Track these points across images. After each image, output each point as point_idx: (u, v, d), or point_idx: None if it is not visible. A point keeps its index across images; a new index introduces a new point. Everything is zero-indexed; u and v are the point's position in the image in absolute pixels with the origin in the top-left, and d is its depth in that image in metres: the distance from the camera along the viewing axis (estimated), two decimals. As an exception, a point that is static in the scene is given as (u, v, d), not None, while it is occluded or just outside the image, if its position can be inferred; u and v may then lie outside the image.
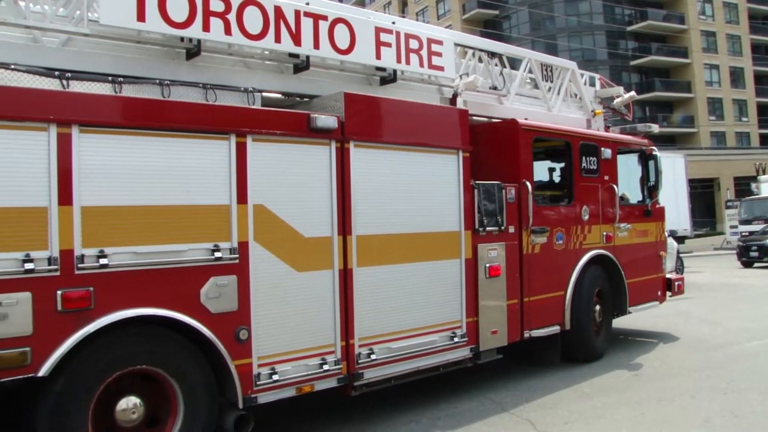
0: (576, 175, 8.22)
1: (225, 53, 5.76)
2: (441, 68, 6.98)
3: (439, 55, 6.91)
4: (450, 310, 6.48)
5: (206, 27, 5.25)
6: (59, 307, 4.14)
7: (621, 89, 10.35)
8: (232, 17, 5.37)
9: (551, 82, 8.99)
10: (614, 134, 9.50)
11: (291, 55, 6.02)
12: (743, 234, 26.11)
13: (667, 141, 48.73)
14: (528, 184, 7.39)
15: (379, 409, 6.41)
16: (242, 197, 5.00)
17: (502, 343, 7.05)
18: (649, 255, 9.52)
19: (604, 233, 8.58)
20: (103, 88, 4.77)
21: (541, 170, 8.53)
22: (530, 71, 8.63)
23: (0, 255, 3.96)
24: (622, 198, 8.96)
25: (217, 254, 4.84)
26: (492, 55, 8.08)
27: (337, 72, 6.55)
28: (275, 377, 5.10)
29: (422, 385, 6.58)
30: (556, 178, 8.79)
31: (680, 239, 19.14)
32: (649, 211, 9.51)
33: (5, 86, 4.27)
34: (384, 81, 6.83)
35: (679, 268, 16.63)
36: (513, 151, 7.51)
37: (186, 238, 4.71)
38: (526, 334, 7.39)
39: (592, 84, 10.22)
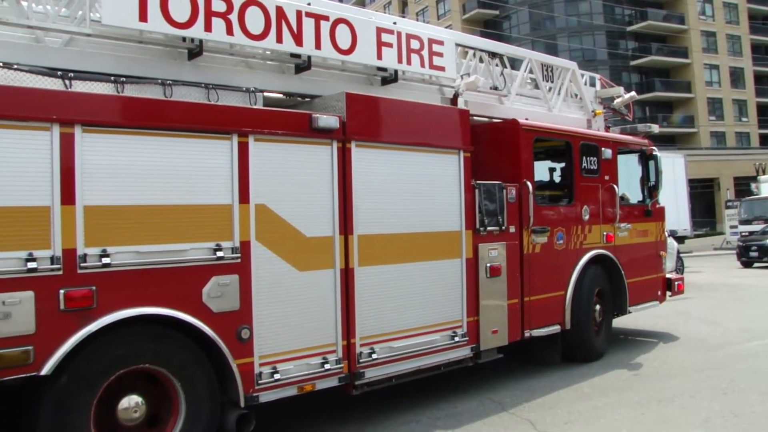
0: (576, 175, 8.23)
1: (227, 53, 5.77)
2: (442, 68, 7.00)
3: (440, 55, 6.93)
4: (451, 309, 6.49)
5: (208, 27, 5.27)
6: (62, 307, 4.15)
7: (621, 89, 10.36)
8: (233, 17, 5.39)
9: (552, 82, 9.01)
10: (614, 134, 9.51)
11: (293, 55, 6.04)
12: (743, 234, 26.13)
13: (667, 141, 48.74)
14: (529, 184, 7.41)
15: (379, 409, 6.42)
16: (244, 197, 5.02)
17: (503, 343, 7.07)
18: (649, 255, 9.54)
19: (605, 233, 8.60)
20: (105, 88, 4.79)
21: (541, 170, 8.54)
22: (531, 71, 8.65)
23: (3, 254, 3.98)
24: (622, 198, 8.98)
25: (219, 254, 4.86)
26: (493, 55, 8.09)
27: (339, 72, 6.57)
28: (277, 376, 5.12)
29: (422, 384, 6.59)
30: (557, 178, 8.80)
31: (680, 239, 19.16)
32: (649, 211, 9.53)
33: (8, 86, 4.28)
34: (385, 81, 6.84)
35: (680, 268, 16.64)
36: (514, 151, 7.53)
37: (188, 238, 4.73)
38: (527, 334, 7.40)
39: (593, 84, 10.23)
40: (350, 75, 6.66)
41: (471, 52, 7.84)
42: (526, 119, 7.84)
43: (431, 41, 6.86)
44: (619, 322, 9.61)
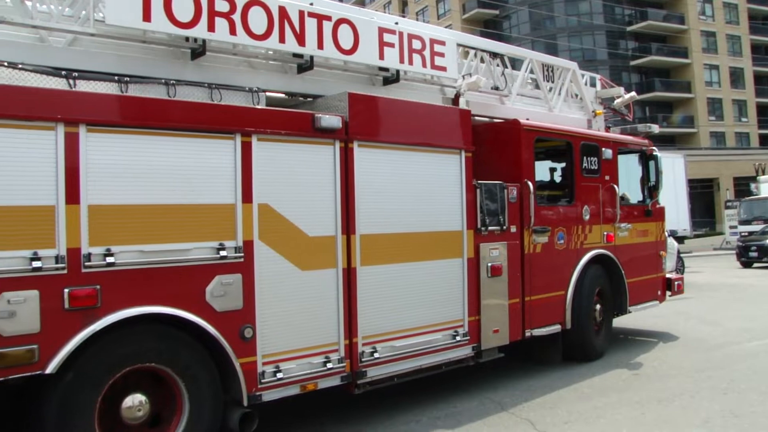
0: (577, 175, 8.26)
1: (230, 53, 5.79)
2: (443, 68, 7.02)
3: (442, 55, 6.95)
4: (452, 309, 6.52)
5: (211, 27, 5.29)
6: (66, 305, 4.17)
7: (621, 90, 10.38)
8: (236, 17, 5.41)
9: (552, 82, 9.03)
10: (615, 134, 9.53)
11: (295, 55, 6.06)
12: (743, 234, 26.16)
13: (667, 141, 48.77)
14: (530, 183, 7.43)
15: (379, 408, 6.44)
16: (247, 196, 5.04)
17: (504, 342, 7.09)
18: (649, 255, 9.56)
19: (605, 233, 8.62)
20: (109, 88, 4.80)
21: (542, 170, 8.55)
22: (532, 71, 8.67)
23: (8, 253, 4.00)
24: (622, 198, 9.00)
25: (223, 253, 4.88)
26: (494, 55, 8.11)
27: (341, 72, 6.59)
28: (279, 375, 5.14)
29: (422, 384, 6.61)
30: (558, 178, 8.82)
31: (680, 239, 19.18)
32: (649, 211, 9.55)
33: (13, 86, 4.30)
34: (387, 81, 6.86)
35: (680, 268, 16.66)
36: (515, 151, 7.55)
37: (191, 237, 4.75)
38: (528, 333, 7.43)
39: (593, 84, 10.25)
40: (352, 75, 6.68)
41: (472, 52, 7.86)
42: (527, 119, 7.87)
43: (433, 41, 6.88)
44: (619, 322, 9.63)
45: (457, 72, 7.31)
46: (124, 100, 4.69)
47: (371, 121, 6.00)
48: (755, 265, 22.59)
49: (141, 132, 4.58)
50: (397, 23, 6.73)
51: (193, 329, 4.74)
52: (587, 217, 8.30)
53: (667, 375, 7.60)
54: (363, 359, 5.71)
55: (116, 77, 4.90)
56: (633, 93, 10.50)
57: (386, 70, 6.76)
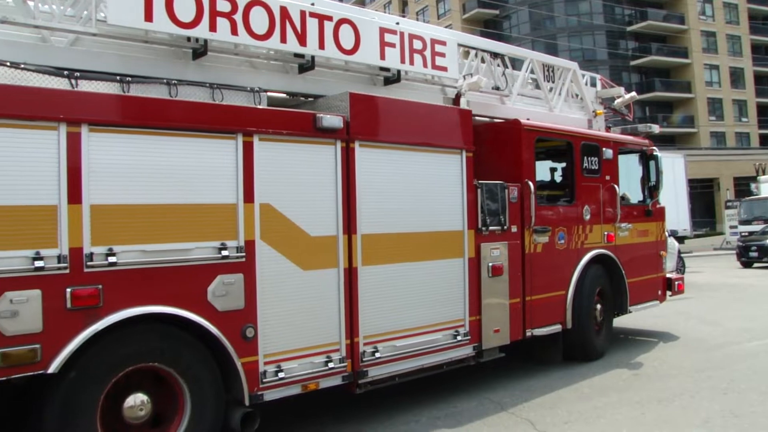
0: (578, 175, 8.27)
1: (231, 53, 5.80)
2: (444, 69, 7.02)
3: (443, 55, 6.95)
4: (453, 308, 6.53)
5: (213, 27, 5.29)
6: (68, 305, 4.18)
7: (622, 90, 10.39)
8: (238, 17, 5.41)
9: (553, 82, 9.03)
10: (615, 134, 9.54)
11: (296, 55, 6.06)
12: (743, 234, 26.17)
13: (667, 141, 48.76)
14: (530, 183, 7.45)
15: (380, 408, 6.44)
16: (249, 196, 5.04)
17: (505, 342, 7.10)
18: (650, 255, 9.57)
19: (605, 233, 8.63)
20: (111, 88, 4.80)
21: (543, 170, 8.57)
22: (532, 72, 8.68)
23: (11, 253, 4.01)
24: (623, 198, 9.01)
25: (224, 253, 4.89)
26: (495, 55, 8.12)
27: (342, 72, 6.59)
28: (281, 375, 5.15)
29: (422, 384, 6.61)
30: (558, 178, 8.83)
31: (680, 239, 19.17)
32: (649, 211, 9.56)
33: (16, 85, 4.30)
34: (388, 81, 6.87)
35: (681, 268, 16.67)
36: (515, 151, 7.56)
37: (193, 237, 4.76)
38: (528, 333, 7.44)
39: (593, 84, 10.25)
40: (353, 75, 6.69)
41: (473, 52, 7.86)
42: (528, 119, 7.88)
43: (434, 41, 6.89)
44: (619, 322, 9.64)
45: (457, 72, 7.31)
46: (126, 100, 4.70)
47: (372, 121, 6.00)
48: (755, 265, 22.60)
49: (143, 132, 4.59)
50: (398, 23, 6.74)
51: (194, 329, 4.74)
52: (588, 217, 8.31)
53: (667, 375, 7.61)
54: (364, 359, 5.72)
55: (118, 77, 4.90)
56: (633, 93, 10.51)
57: (387, 70, 6.76)
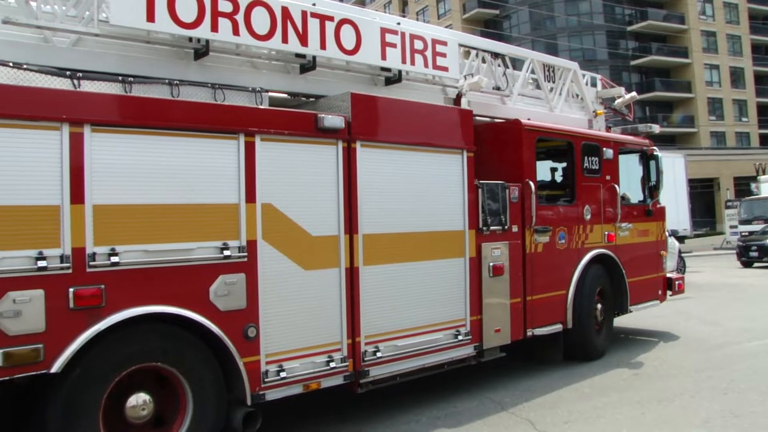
0: (578, 175, 8.28)
1: (233, 53, 5.80)
2: (445, 69, 7.03)
3: (444, 55, 6.96)
4: (454, 308, 6.54)
5: (214, 27, 5.30)
6: (71, 305, 4.19)
7: (622, 90, 10.40)
8: (240, 18, 5.42)
9: (553, 82, 9.05)
10: (616, 134, 9.55)
11: (298, 55, 6.07)
12: (743, 234, 26.18)
13: (667, 141, 48.77)
14: (531, 183, 7.46)
15: (380, 408, 6.45)
16: (251, 196, 5.05)
17: (506, 342, 7.11)
18: (650, 254, 9.59)
19: (606, 233, 8.64)
20: (113, 88, 4.82)
21: (543, 170, 8.58)
22: (533, 72, 8.69)
23: (14, 253, 4.02)
24: (623, 198, 9.02)
25: (226, 252, 4.90)
26: (495, 55, 8.13)
27: (343, 72, 6.59)
28: (283, 374, 5.16)
29: (422, 383, 6.62)
30: (559, 178, 8.85)
31: (680, 239, 19.19)
32: (650, 210, 9.58)
33: (18, 86, 4.32)
34: (389, 81, 6.87)
35: (682, 267, 16.68)
36: (516, 151, 7.57)
37: (195, 237, 4.77)
38: (529, 333, 7.45)
39: (594, 84, 10.26)
40: (354, 75, 6.69)
41: (474, 52, 7.87)
42: (529, 119, 7.89)
43: (434, 42, 6.89)
44: (619, 321, 9.65)
45: (458, 72, 7.32)
46: (128, 101, 4.71)
47: (374, 121, 6.02)
48: (755, 264, 22.61)
49: (145, 132, 4.60)
50: (399, 23, 6.74)
51: (196, 329, 4.75)
52: (588, 217, 8.33)
53: (667, 375, 7.62)
54: (366, 358, 5.73)
55: (120, 77, 4.92)
56: (633, 93, 10.53)
57: (388, 70, 6.77)
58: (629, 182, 9.57)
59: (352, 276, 5.67)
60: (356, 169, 5.73)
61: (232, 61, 5.84)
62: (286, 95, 6.31)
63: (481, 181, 6.86)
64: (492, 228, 6.98)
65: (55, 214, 4.19)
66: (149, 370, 4.61)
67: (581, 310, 8.11)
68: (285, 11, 5.67)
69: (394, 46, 6.51)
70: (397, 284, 6.03)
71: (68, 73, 4.67)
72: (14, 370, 3.98)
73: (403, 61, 6.64)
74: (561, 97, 9.08)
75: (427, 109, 6.55)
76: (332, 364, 5.50)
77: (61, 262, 4.18)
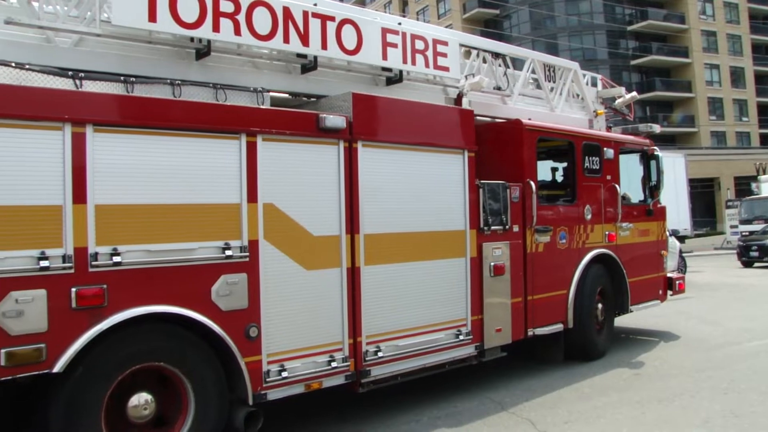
0: (579, 174, 8.29)
1: (234, 53, 5.80)
2: (446, 69, 7.03)
3: (445, 55, 6.96)
4: (455, 308, 6.55)
5: (216, 27, 5.30)
6: (73, 305, 4.20)
7: (623, 89, 10.41)
8: (241, 18, 5.42)
9: (554, 82, 9.05)
10: (616, 134, 9.56)
11: (299, 55, 6.07)
12: (743, 234, 26.16)
13: (668, 140, 48.76)
14: (532, 183, 7.46)
15: (381, 407, 6.46)
16: (252, 196, 5.06)
17: (507, 341, 7.12)
18: (651, 254, 9.59)
19: (607, 232, 8.65)
20: (115, 88, 4.82)
21: (544, 170, 8.59)
22: (533, 72, 8.69)
23: (16, 253, 4.03)
24: (624, 198, 9.02)
25: (228, 252, 4.91)
26: (496, 55, 8.13)
27: (344, 72, 6.59)
28: (284, 374, 5.17)
29: (423, 383, 6.62)
30: (559, 178, 8.85)
31: (680, 239, 19.20)
32: (650, 210, 9.58)
33: (21, 86, 4.32)
34: (390, 81, 6.87)
35: (683, 267, 16.67)
36: (517, 150, 7.58)
37: (197, 237, 4.78)
38: (530, 332, 7.46)
39: (594, 84, 10.27)
40: (355, 75, 6.69)
41: (474, 52, 7.87)
42: (529, 119, 7.90)
43: (435, 42, 6.90)
44: (620, 321, 9.64)
45: (459, 72, 7.32)
46: (130, 101, 4.71)
47: (375, 121, 6.02)
48: (756, 264, 22.60)
49: (147, 132, 4.61)
50: (400, 24, 6.74)
51: (198, 329, 4.76)
52: (589, 217, 8.33)
53: (667, 374, 7.62)
54: (367, 358, 5.74)
55: (122, 77, 4.92)
56: (634, 93, 10.53)
57: (389, 70, 6.76)
58: (630, 182, 9.58)
59: (354, 276, 5.68)
60: (357, 169, 5.74)
61: (233, 61, 5.84)
62: (287, 95, 6.32)
63: (482, 181, 6.87)
64: (493, 228, 6.99)
65: (57, 214, 4.20)
66: (151, 369, 4.62)
67: (582, 310, 8.12)
68: (286, 11, 5.68)
69: (395, 46, 6.51)
70: (399, 284, 6.04)
71: (70, 73, 4.68)
72: (17, 369, 3.99)
73: (404, 61, 6.64)
74: (561, 97, 9.08)
75: (428, 109, 6.55)
76: (333, 364, 5.50)
77: (64, 262, 4.19)
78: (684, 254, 18.84)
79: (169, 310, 4.60)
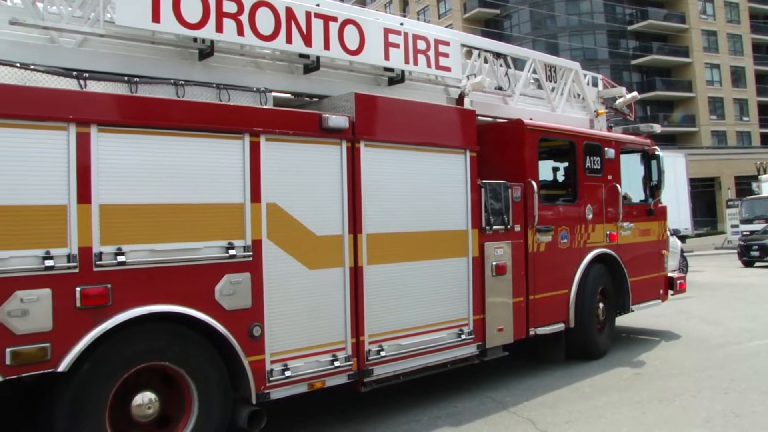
0: (580, 174, 8.30)
1: (237, 54, 5.82)
2: (448, 69, 7.04)
3: (446, 56, 6.98)
4: (457, 307, 6.57)
5: (219, 28, 5.32)
6: (78, 304, 4.21)
7: (623, 89, 10.42)
8: (244, 18, 5.44)
9: (555, 82, 9.06)
10: (617, 134, 9.58)
11: (301, 55, 6.09)
12: (744, 233, 26.17)
13: (668, 140, 48.75)
14: (533, 183, 7.48)
15: (382, 407, 6.47)
16: (256, 196, 5.08)
17: (508, 341, 7.14)
18: (652, 254, 9.61)
19: (608, 232, 8.67)
20: (118, 88, 4.84)
21: (545, 170, 8.61)
22: (534, 72, 8.70)
23: (21, 252, 4.04)
24: (625, 197, 9.04)
25: (231, 252, 4.92)
26: (497, 55, 8.15)
27: (346, 72, 6.61)
28: (288, 373, 5.18)
29: (423, 383, 6.63)
30: (561, 178, 8.88)
31: (681, 238, 19.22)
32: (651, 210, 9.60)
33: (25, 86, 4.34)
34: (392, 81, 6.89)
35: (684, 267, 16.68)
36: (519, 150, 7.60)
37: (201, 236, 4.79)
38: (532, 332, 7.47)
39: (595, 84, 10.28)
40: (358, 75, 6.71)
41: (476, 52, 7.89)
42: (531, 119, 7.91)
43: (437, 42, 6.91)
44: (621, 321, 9.65)
45: (461, 72, 7.33)
46: (134, 101, 4.73)
47: (377, 121, 6.04)
48: (756, 264, 22.62)
49: (151, 132, 4.63)
50: (402, 24, 6.75)
51: (202, 328, 4.78)
52: (590, 217, 8.35)
53: (668, 374, 7.63)
54: (369, 357, 5.76)
55: (126, 78, 4.94)
56: (635, 93, 10.54)
57: (391, 70, 6.78)
58: (631, 182, 9.60)
59: (356, 275, 5.70)
60: (360, 169, 5.76)
61: (236, 62, 5.86)
62: (290, 95, 6.33)
63: (483, 181, 6.89)
64: (495, 227, 7.01)
65: (62, 213, 4.22)
66: (155, 369, 4.63)
67: (583, 310, 8.13)
68: (289, 12, 5.69)
69: (397, 46, 6.53)
70: (401, 284, 6.06)
71: (74, 73, 4.69)
72: (22, 368, 4.01)
73: (406, 62, 6.66)
74: (563, 97, 9.10)
75: (430, 109, 6.57)
76: (336, 363, 5.52)
77: (68, 261, 4.20)
78: (685, 254, 18.85)
79: (173, 309, 4.62)
